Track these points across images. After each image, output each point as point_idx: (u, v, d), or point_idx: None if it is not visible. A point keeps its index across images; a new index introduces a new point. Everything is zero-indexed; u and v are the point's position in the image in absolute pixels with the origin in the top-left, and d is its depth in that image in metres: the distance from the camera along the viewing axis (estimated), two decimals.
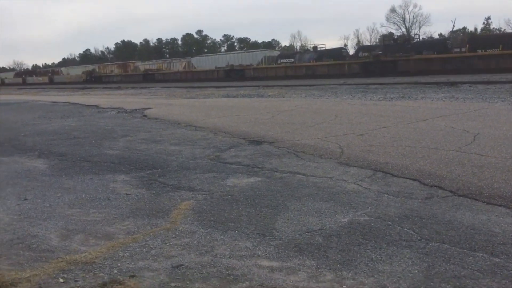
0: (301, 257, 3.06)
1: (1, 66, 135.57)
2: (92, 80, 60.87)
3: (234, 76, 45.18)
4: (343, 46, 59.15)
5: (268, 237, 3.45)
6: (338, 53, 42.69)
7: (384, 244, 3.23)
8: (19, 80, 78.53)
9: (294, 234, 3.49)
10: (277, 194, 4.62)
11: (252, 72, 44.87)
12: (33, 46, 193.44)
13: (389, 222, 3.65)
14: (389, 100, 14.65)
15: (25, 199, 4.82)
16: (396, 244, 3.22)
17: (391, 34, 76.49)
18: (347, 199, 4.33)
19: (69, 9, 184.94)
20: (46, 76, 73.08)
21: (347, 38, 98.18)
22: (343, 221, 3.73)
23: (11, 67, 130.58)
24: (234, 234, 3.56)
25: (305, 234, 3.49)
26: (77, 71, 73.84)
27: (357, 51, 46.86)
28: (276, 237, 3.45)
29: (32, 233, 3.77)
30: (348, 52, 48.65)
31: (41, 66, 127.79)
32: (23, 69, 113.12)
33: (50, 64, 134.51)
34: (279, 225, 3.70)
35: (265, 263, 3.01)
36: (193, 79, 49.09)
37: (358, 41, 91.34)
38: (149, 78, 53.62)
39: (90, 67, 74.11)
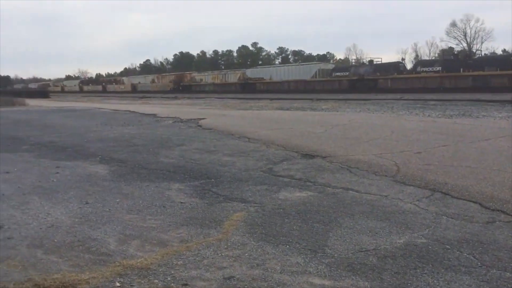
0: (354, 277, 3.00)
1: (67, 74, 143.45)
2: (180, 89, 59.62)
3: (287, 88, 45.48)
4: (400, 60, 57.76)
5: (320, 254, 3.41)
6: (395, 67, 41.80)
7: (442, 268, 3.11)
8: (97, 87, 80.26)
9: (347, 253, 3.43)
10: (329, 210, 4.56)
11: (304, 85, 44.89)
12: (97, 55, 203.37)
13: (447, 246, 3.51)
14: (448, 117, 14.15)
15: (87, 202, 5.05)
16: (454, 270, 3.08)
17: (451, 49, 73.96)
18: (403, 219, 4.20)
19: (132, 21, 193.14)
20: (129, 84, 72.41)
21: (404, 52, 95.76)
22: (399, 242, 3.63)
23: (76, 75, 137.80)
24: (285, 248, 3.55)
25: (358, 253, 3.42)
26: (137, 80, 76.74)
27: (415, 66, 45.65)
28: (328, 254, 3.41)
29: (92, 236, 3.94)
30: (405, 67, 47.45)
31: (104, 75, 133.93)
32: (87, 77, 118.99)
33: (112, 73, 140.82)
34: (331, 242, 3.66)
35: (317, 281, 2.97)
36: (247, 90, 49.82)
37: (416, 55, 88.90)
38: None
39: (149, 77, 76.73)
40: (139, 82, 69.30)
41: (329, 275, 3.04)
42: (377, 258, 3.32)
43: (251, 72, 58.82)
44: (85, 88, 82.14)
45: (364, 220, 4.20)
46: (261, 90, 47.94)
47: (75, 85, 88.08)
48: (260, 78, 52.63)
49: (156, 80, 71.94)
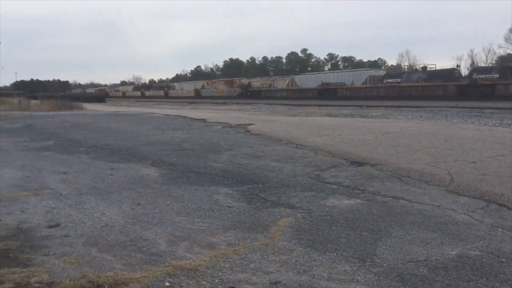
0: None
1: (122, 80, 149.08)
2: (248, 95, 59.75)
3: (327, 95, 44.74)
4: (455, 67, 55.76)
5: (368, 263, 3.35)
6: (449, 74, 40.40)
7: (496, 282, 2.97)
8: (159, 92, 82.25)
9: (396, 263, 3.35)
10: (378, 218, 4.47)
11: (348, 92, 44.04)
12: (150, 62, 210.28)
13: (503, 259, 3.35)
14: (506, 127, 13.51)
15: (139, 204, 5.22)
16: (510, 284, 2.94)
17: (510, 55, 70.59)
18: (456, 231, 4.05)
19: (184, 28, 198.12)
20: (192, 91, 73.62)
21: (460, 58, 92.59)
22: (451, 254, 3.50)
23: (131, 81, 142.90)
24: (333, 256, 3.52)
25: (408, 263, 3.33)
26: (188, 87, 78.54)
27: (471, 73, 43.92)
28: (377, 263, 3.34)
29: (143, 237, 4.06)
30: (460, 73, 45.77)
31: (157, 81, 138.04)
32: (141, 83, 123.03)
33: (164, 79, 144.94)
34: (380, 251, 3.58)
35: None
36: (295, 97, 49.63)
37: (472, 62, 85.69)
38: (257, 95, 53.68)
39: (199, 83, 78.32)
40: (203, 87, 70.12)
41: (377, 285, 2.98)
42: (428, 269, 3.22)
43: (299, 79, 58.72)
44: (147, 93, 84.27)
45: (415, 230, 4.09)
46: (308, 97, 47.63)
47: (134, 91, 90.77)
48: (341, 83, 51.01)
49: (206, 86, 73.29)
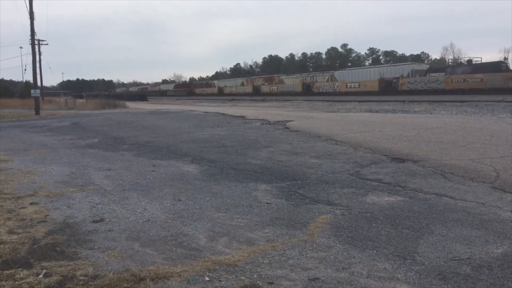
0: (445, 286, 2.86)
1: (163, 78, 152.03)
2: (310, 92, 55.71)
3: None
4: (502, 59, 53.47)
5: (409, 261, 3.29)
6: (496, 67, 38.67)
7: None
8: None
9: (438, 261, 3.27)
10: (420, 216, 4.38)
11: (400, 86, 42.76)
12: (190, 60, 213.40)
13: None
14: None
15: (179, 200, 5.33)
16: None
17: None
18: (501, 228, 3.91)
19: (224, 26, 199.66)
20: (251, 86, 69.48)
21: (507, 51, 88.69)
22: (496, 252, 3.39)
23: (172, 79, 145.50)
24: (372, 253, 3.48)
25: (450, 262, 3.25)
26: (227, 84, 78.99)
27: None
28: (418, 261, 3.28)
29: (184, 232, 4.15)
30: (508, 66, 43.83)
31: (197, 78, 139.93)
32: (182, 81, 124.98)
33: (204, 77, 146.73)
34: (421, 249, 3.51)
35: None
36: (335, 93, 48.96)
37: None
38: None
39: (239, 80, 78.64)
40: (262, 84, 68.73)
41: (418, 283, 2.93)
42: (471, 267, 3.13)
43: (339, 74, 57.94)
44: (197, 91, 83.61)
45: (458, 228, 3.97)
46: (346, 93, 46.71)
47: (175, 88, 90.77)
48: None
49: (245, 83, 73.49)
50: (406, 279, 3.00)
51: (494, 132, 9.99)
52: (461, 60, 52.98)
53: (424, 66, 51.50)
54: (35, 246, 3.85)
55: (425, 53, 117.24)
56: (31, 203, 5.31)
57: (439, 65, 58.87)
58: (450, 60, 75.06)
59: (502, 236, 3.74)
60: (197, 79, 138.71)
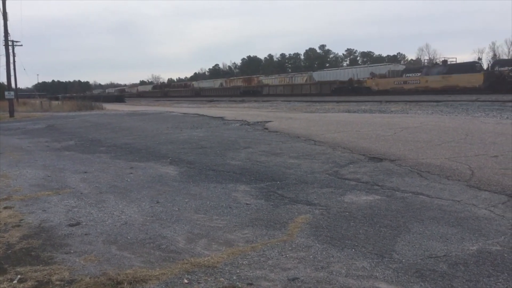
0: (422, 284, 2.89)
1: (141, 80, 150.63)
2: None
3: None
4: (476, 60, 54.66)
5: (387, 259, 3.32)
6: (470, 67, 39.51)
7: None
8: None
9: (415, 259, 3.31)
10: (397, 214, 4.43)
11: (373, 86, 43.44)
12: (168, 61, 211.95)
13: None
14: None
15: (157, 202, 5.28)
16: None
17: None
18: (476, 226, 3.99)
19: (202, 27, 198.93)
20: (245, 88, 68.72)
21: (481, 51, 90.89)
22: (472, 249, 3.45)
23: (150, 80, 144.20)
24: (351, 252, 3.50)
25: (427, 259, 3.29)
26: (206, 85, 78.66)
27: (492, 66, 42.93)
28: (396, 259, 3.31)
29: (162, 234, 4.11)
30: (482, 67, 44.78)
31: (175, 80, 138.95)
32: (160, 82, 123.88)
33: (183, 78, 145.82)
34: (399, 247, 3.55)
35: (384, 286, 2.90)
36: (313, 93, 49.30)
37: (494, 55, 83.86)
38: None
39: (218, 81, 78.38)
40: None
41: (396, 281, 2.96)
42: (447, 265, 3.18)
43: (318, 75, 58.34)
44: (176, 92, 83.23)
45: (434, 226, 4.03)
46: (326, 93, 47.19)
47: (153, 89, 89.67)
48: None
49: (224, 84, 73.33)
50: (384, 277, 3.02)
51: (468, 131, 10.19)
52: (437, 61, 53.94)
53: (401, 67, 52.18)
54: (9, 251, 3.76)
55: (401, 54, 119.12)
56: (5, 207, 5.18)
57: (415, 66, 59.72)
58: (425, 61, 76.42)
59: (477, 233, 3.81)
60: (175, 80, 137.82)
